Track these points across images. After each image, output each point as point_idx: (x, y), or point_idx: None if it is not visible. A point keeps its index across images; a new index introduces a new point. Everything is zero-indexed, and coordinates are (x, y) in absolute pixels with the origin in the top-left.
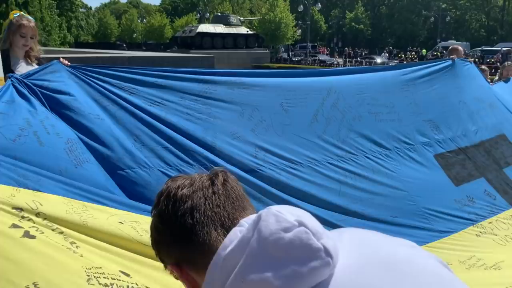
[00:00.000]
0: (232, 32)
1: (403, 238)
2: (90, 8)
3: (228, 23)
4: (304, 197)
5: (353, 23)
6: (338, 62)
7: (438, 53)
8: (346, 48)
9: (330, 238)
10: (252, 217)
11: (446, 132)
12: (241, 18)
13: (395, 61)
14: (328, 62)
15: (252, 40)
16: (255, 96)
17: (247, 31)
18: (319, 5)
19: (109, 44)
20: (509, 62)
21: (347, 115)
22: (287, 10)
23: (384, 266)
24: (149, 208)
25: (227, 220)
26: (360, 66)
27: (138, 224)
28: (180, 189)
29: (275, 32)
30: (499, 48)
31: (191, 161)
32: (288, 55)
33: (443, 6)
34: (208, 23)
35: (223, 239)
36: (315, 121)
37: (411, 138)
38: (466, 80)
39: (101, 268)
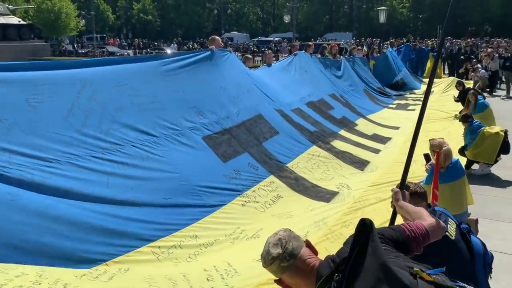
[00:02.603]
0: None
1: (178, 217)
2: None
3: None
4: (66, 194)
5: (141, 14)
6: (128, 54)
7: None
8: (136, 39)
9: None
10: None
11: (211, 116)
12: (10, 6)
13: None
14: (118, 54)
15: (27, 31)
16: None
17: (19, 21)
18: None
19: None
20: (269, 51)
21: (108, 107)
22: None
23: None
24: None
25: None
26: (118, 57)
27: None
28: None
29: (56, 23)
30: (272, 38)
31: None
32: (73, 47)
33: None
34: None
35: None
36: (71, 115)
37: (178, 124)
38: (226, 68)
39: None
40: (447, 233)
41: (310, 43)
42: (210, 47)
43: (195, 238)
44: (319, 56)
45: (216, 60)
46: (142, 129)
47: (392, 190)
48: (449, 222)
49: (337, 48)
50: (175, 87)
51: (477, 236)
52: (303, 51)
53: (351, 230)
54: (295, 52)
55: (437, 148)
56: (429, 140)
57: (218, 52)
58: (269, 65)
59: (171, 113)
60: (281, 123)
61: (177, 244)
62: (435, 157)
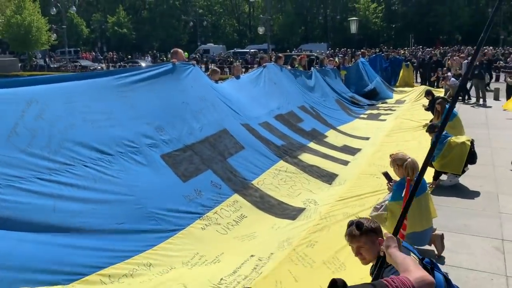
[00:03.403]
0: None
1: (131, 243)
2: None
3: None
4: (3, 224)
5: (116, 27)
6: (102, 67)
7: (197, 56)
8: (110, 53)
9: None
10: None
11: (171, 132)
12: None
13: None
14: (91, 68)
15: None
16: None
17: None
18: (74, 8)
19: None
20: (237, 63)
21: (57, 125)
22: (38, 12)
23: None
24: None
25: None
26: (69, 74)
27: None
28: None
29: (26, 37)
30: (248, 50)
31: None
32: (45, 61)
33: (200, 11)
34: None
35: None
36: (14, 135)
37: (135, 142)
38: (188, 82)
39: None
40: None
41: (281, 54)
42: (172, 60)
43: (149, 266)
44: (289, 67)
45: (178, 74)
46: (95, 147)
47: (385, 234)
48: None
49: (306, 59)
50: (132, 102)
51: (442, 253)
52: (273, 62)
53: (315, 250)
54: (264, 64)
55: (401, 161)
56: (390, 155)
57: (180, 66)
58: (237, 77)
59: (127, 130)
60: (247, 137)
61: (128, 273)
62: (398, 171)
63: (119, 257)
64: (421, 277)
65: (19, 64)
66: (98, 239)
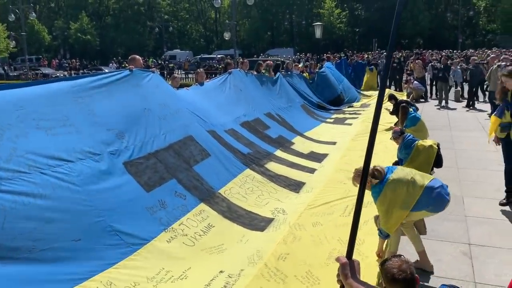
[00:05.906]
0: None
1: (89, 262)
2: None
3: None
4: None
5: (79, 34)
6: (64, 75)
7: (163, 62)
8: (74, 60)
9: None
10: None
11: (134, 139)
12: None
13: None
14: (53, 76)
15: None
16: None
17: None
18: (34, 14)
19: None
20: (201, 69)
21: (7, 134)
22: None
23: None
24: None
25: None
26: (21, 82)
27: None
28: None
29: None
30: (215, 56)
31: None
32: (4, 69)
33: (166, 17)
34: None
35: None
36: None
37: (96, 149)
38: (148, 88)
39: None
40: None
41: (245, 59)
42: (129, 67)
43: (109, 286)
44: (255, 73)
45: (137, 80)
46: (53, 154)
47: (337, 259)
48: None
49: (271, 64)
50: (90, 109)
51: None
52: (238, 68)
53: (287, 264)
54: (230, 70)
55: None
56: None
57: (138, 73)
58: (201, 84)
59: (87, 137)
60: (213, 144)
61: None
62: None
63: (74, 280)
64: None
65: None
66: (51, 260)
